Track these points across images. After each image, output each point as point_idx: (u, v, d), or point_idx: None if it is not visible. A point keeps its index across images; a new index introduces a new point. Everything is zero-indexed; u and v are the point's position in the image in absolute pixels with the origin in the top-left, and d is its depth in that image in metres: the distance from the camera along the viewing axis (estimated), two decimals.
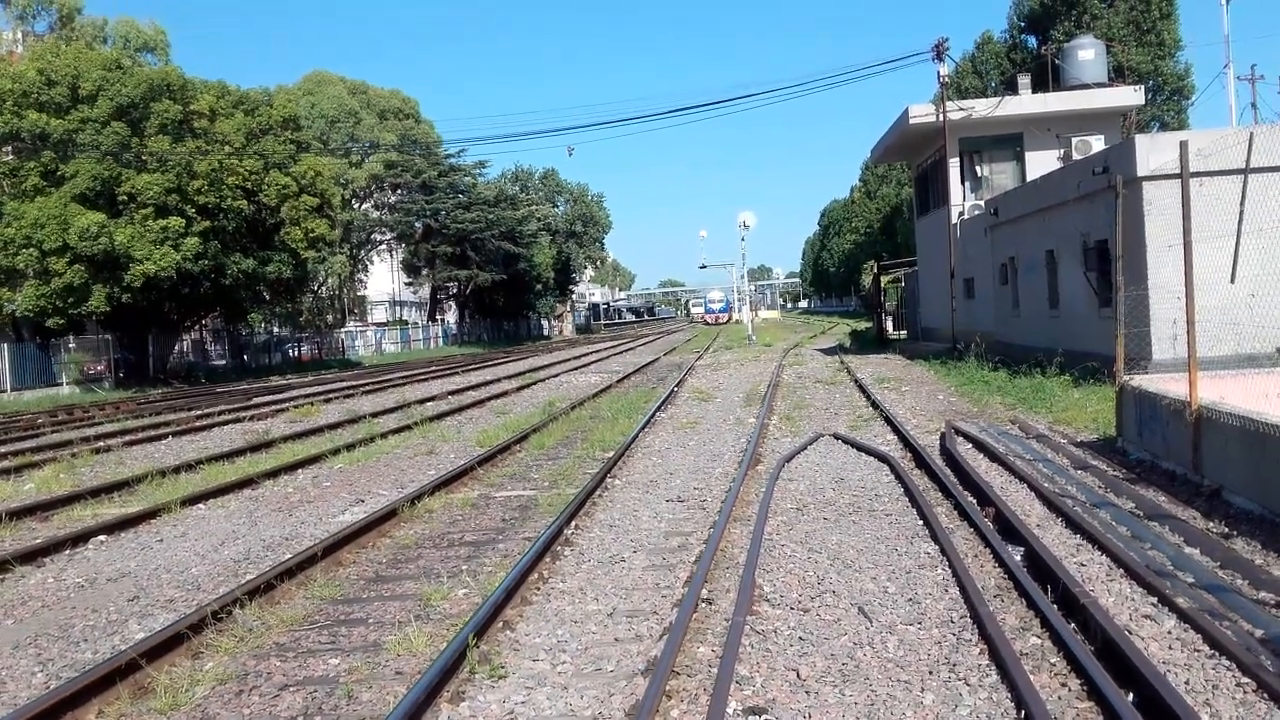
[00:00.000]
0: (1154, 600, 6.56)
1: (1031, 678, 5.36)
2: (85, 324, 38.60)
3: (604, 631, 6.69)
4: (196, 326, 48.27)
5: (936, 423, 15.66)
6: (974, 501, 9.75)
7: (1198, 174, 11.59)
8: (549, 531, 8.99)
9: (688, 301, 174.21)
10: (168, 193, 36.15)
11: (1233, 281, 15.51)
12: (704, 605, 7.03)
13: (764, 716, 5.21)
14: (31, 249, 34.68)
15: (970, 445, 13.27)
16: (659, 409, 19.50)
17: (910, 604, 6.89)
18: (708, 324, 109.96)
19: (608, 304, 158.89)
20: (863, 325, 59.50)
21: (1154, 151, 16.63)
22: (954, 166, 30.93)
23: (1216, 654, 5.61)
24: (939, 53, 32.13)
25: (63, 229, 34.54)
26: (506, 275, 76.55)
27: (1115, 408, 12.42)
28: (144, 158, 36.54)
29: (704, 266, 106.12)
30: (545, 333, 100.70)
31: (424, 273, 76.79)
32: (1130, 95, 30.45)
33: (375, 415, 21.26)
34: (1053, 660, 5.75)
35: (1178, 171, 10.19)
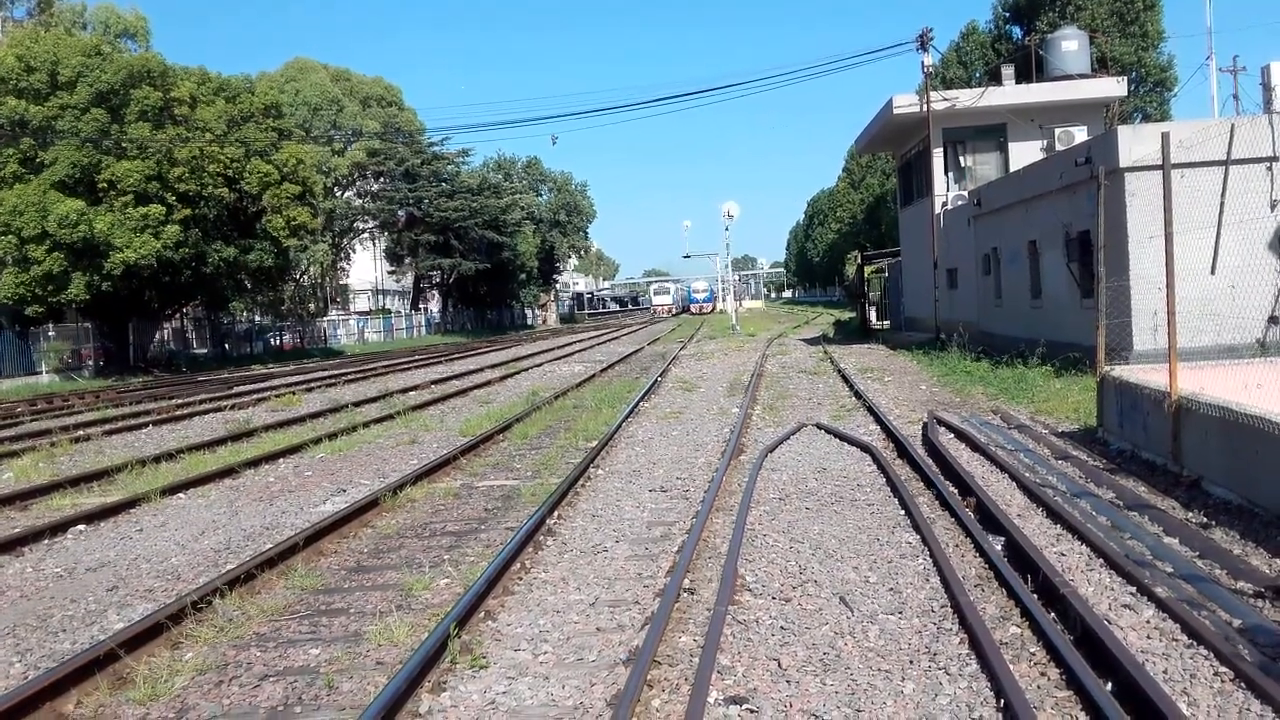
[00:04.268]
0: (1133, 590, 6.60)
1: (1011, 667, 5.38)
2: (65, 312, 38.35)
3: (586, 621, 6.69)
4: (177, 315, 48.00)
5: (919, 413, 15.71)
6: (955, 491, 9.78)
7: (1180, 165, 11.64)
8: (531, 521, 8.98)
9: (652, 289, 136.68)
10: (148, 180, 35.91)
11: (1213, 273, 15.65)
12: (686, 595, 7.04)
13: (745, 706, 5.21)
14: (10, 236, 34.42)
15: (952, 435, 13.32)
16: (642, 399, 19.50)
17: (891, 593, 6.91)
18: (691, 314, 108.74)
19: (592, 293, 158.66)
20: (846, 315, 59.64)
21: (1136, 142, 16.69)
22: (938, 157, 30.98)
23: (1195, 643, 5.64)
24: (923, 43, 32.18)
25: (42, 216, 34.28)
26: (490, 264, 76.32)
27: (1096, 398, 12.47)
28: (124, 145, 36.24)
29: (688, 256, 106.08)
30: (529, 322, 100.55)
31: (407, 261, 76.52)
32: (1113, 86, 30.54)
33: (357, 404, 21.19)
34: (1032, 650, 5.78)
35: (1160, 163, 10.21)
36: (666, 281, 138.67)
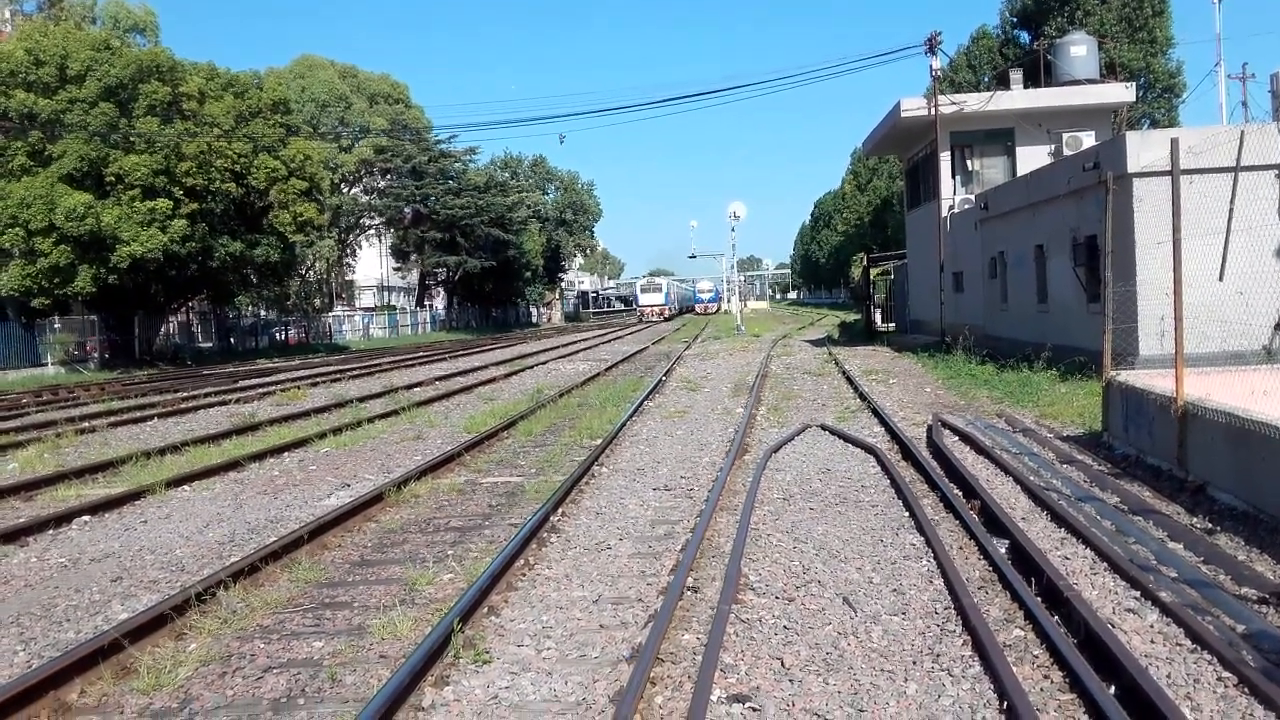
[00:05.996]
0: (1137, 594, 6.59)
1: (1014, 669, 5.37)
2: (71, 304, 38.40)
3: (589, 618, 6.69)
4: (183, 309, 48.08)
5: (923, 415, 15.69)
6: (960, 494, 9.77)
7: (1188, 171, 11.61)
8: (535, 518, 8.99)
9: (639, 287, 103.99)
10: (155, 174, 35.98)
11: (1221, 279, 15.59)
12: (689, 593, 7.04)
13: (748, 704, 5.21)
14: (17, 229, 34.48)
15: (957, 438, 13.30)
16: (647, 398, 19.49)
17: (895, 594, 6.91)
18: (696, 314, 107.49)
19: (596, 292, 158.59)
20: (852, 317, 59.55)
21: (1144, 148, 16.67)
22: (945, 160, 30.95)
23: (1199, 648, 5.64)
24: (932, 46, 32.16)
25: (49, 209, 34.35)
26: (495, 262, 76.40)
27: (1102, 403, 12.45)
28: (132, 139, 36.31)
29: (694, 256, 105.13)
30: (534, 320, 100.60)
31: (413, 258, 76.61)
32: (1121, 92, 30.50)
33: (362, 400, 21.20)
34: (1036, 652, 5.77)
35: (1168, 168, 10.20)
36: (658, 278, 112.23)
